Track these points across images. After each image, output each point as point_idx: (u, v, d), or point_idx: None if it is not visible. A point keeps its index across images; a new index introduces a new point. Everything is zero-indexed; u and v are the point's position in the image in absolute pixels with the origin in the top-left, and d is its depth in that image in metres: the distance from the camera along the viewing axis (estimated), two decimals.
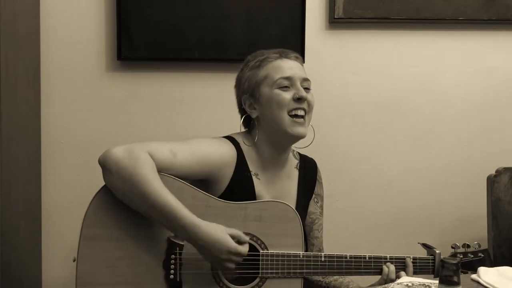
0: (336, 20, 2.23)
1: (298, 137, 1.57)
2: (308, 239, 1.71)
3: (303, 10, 2.21)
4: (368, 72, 2.30)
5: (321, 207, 1.75)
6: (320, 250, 1.74)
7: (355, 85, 2.30)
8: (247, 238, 1.42)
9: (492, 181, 2.09)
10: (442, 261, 1.07)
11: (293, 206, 1.58)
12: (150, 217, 1.39)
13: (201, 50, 2.20)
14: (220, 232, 1.38)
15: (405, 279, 1.52)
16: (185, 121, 2.25)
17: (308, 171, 1.71)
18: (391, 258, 1.57)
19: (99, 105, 2.21)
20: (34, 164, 2.13)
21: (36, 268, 2.17)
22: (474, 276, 1.56)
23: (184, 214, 1.36)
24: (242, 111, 1.64)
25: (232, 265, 1.40)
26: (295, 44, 2.19)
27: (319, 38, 2.26)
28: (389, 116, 2.32)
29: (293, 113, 1.54)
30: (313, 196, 1.72)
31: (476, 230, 2.19)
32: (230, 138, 1.60)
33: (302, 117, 1.56)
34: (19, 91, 1.96)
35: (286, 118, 1.53)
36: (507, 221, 2.08)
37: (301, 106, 1.55)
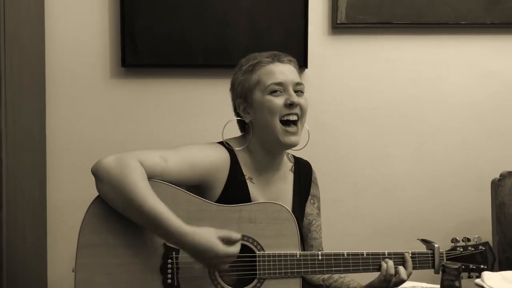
0: (339, 25, 2.24)
1: (290, 146, 1.57)
2: (307, 241, 1.72)
3: (306, 16, 2.22)
4: (371, 77, 2.30)
5: (318, 208, 1.75)
6: (320, 251, 1.72)
7: (358, 90, 2.30)
8: (238, 236, 1.42)
9: (496, 185, 2.09)
10: (443, 266, 1.07)
11: (289, 208, 1.59)
12: (142, 224, 1.40)
13: (205, 56, 2.21)
14: (208, 238, 1.37)
15: (408, 284, 1.53)
16: (189, 127, 2.26)
17: (303, 173, 1.72)
18: (389, 253, 1.55)
19: (103, 111, 2.23)
20: (39, 170, 2.15)
21: (42, 272, 2.19)
22: (478, 280, 1.56)
23: (171, 221, 1.36)
24: (237, 114, 1.65)
25: (225, 266, 1.41)
26: (298, 50, 2.21)
27: (321, 44, 2.27)
28: (393, 121, 2.33)
29: (285, 118, 1.54)
30: (309, 197, 1.73)
31: (480, 235, 2.16)
32: (223, 143, 1.61)
33: (294, 123, 1.55)
34: (25, 98, 1.98)
35: (278, 125, 1.53)
36: (511, 225, 2.08)
37: (293, 111, 1.54)
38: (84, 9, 2.19)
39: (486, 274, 1.57)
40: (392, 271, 1.54)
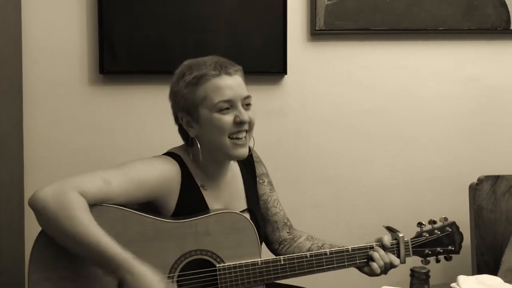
0: (317, 32, 2.25)
1: (239, 158, 1.53)
2: (268, 220, 1.69)
3: (285, 23, 2.23)
4: (350, 83, 2.31)
5: (269, 183, 1.71)
6: (286, 223, 1.71)
7: (337, 95, 2.31)
8: None
9: (474, 189, 2.10)
10: (412, 270, 1.07)
11: (244, 203, 1.56)
12: (86, 257, 1.33)
13: None
14: (154, 279, 1.31)
15: None
16: (168, 134, 2.23)
17: (246, 159, 1.64)
18: (353, 249, 1.54)
19: (82, 119, 2.21)
20: (17, 179, 2.13)
21: (19, 280, 2.15)
22: (453, 284, 1.57)
23: (116, 250, 1.30)
24: (179, 125, 1.60)
25: None
26: (277, 56, 2.22)
27: (301, 50, 2.28)
28: (372, 126, 2.33)
29: (234, 136, 1.49)
30: (257, 179, 1.69)
31: None
32: (171, 154, 1.55)
33: (244, 138, 1.51)
34: (1, 106, 1.96)
35: (227, 141, 1.49)
36: (489, 229, 2.09)
37: (243, 128, 1.49)
38: (62, 15, 2.18)
39: (461, 278, 1.57)
40: (387, 258, 1.55)
